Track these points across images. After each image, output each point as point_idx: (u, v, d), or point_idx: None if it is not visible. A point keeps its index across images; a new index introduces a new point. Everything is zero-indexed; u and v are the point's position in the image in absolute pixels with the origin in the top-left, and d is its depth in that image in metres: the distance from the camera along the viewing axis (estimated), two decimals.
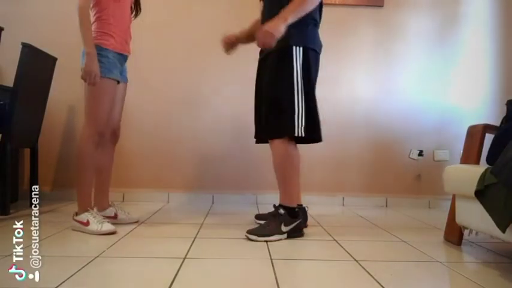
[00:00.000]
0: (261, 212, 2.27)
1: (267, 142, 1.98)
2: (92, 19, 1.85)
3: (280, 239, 1.77)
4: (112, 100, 1.92)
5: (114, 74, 1.87)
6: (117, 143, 2.08)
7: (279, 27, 1.68)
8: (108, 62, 1.84)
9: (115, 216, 2.01)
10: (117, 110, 2.03)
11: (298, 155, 1.86)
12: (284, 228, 1.79)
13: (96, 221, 1.80)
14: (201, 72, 2.89)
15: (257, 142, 2.09)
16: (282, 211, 1.81)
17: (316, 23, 1.89)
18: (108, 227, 1.80)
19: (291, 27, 1.75)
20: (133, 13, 2.06)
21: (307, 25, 1.83)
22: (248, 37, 2.07)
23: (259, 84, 1.99)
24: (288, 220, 1.80)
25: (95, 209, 1.95)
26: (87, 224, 1.80)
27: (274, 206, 1.97)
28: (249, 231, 1.78)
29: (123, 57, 1.96)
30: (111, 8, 1.86)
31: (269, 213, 2.11)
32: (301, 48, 1.79)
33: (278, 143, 1.82)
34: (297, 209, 1.85)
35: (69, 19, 2.88)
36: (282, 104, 1.79)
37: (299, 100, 1.78)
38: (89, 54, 1.75)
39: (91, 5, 1.86)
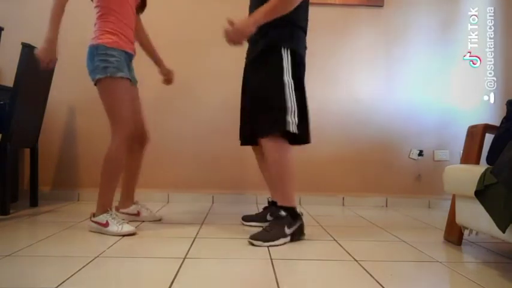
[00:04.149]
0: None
1: (253, 144, 1.99)
2: (94, 17, 1.85)
3: (285, 243, 1.72)
4: (130, 99, 1.89)
5: (124, 73, 1.84)
6: (146, 145, 2.07)
7: (248, 27, 1.69)
8: (116, 61, 1.81)
9: (138, 214, 2.05)
10: (138, 112, 2.01)
11: (292, 154, 1.81)
12: (288, 231, 1.73)
13: (115, 222, 1.79)
14: (201, 72, 2.89)
15: (242, 144, 2.07)
16: (283, 213, 1.75)
17: (304, 30, 1.90)
18: (128, 228, 1.79)
19: (280, 29, 1.79)
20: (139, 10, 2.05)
21: (295, 29, 1.84)
22: None
23: (246, 86, 2.00)
24: (290, 222, 1.74)
25: (114, 210, 1.94)
26: (106, 225, 1.78)
27: (268, 200, 1.97)
28: (253, 237, 1.70)
29: (128, 56, 1.92)
30: (115, 8, 1.84)
31: (256, 214, 2.11)
32: (288, 50, 1.80)
33: (271, 142, 1.78)
34: (296, 210, 1.79)
35: (69, 19, 2.88)
36: (274, 102, 1.77)
37: (291, 97, 1.77)
38: (48, 40, 1.74)
39: (94, 4, 1.85)
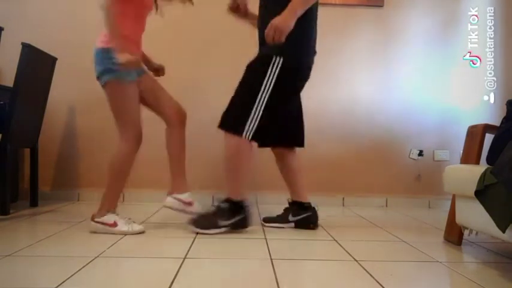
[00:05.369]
0: (260, 212, 2.27)
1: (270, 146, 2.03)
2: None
3: (219, 233, 1.82)
4: (138, 101, 1.88)
5: (132, 77, 1.83)
6: (185, 123, 2.06)
7: (288, 21, 1.67)
8: None
9: (190, 203, 2.02)
10: (164, 95, 1.99)
11: (250, 150, 1.86)
12: (222, 223, 1.82)
13: (124, 222, 1.81)
14: (201, 72, 2.89)
15: (260, 146, 2.05)
16: (223, 205, 1.85)
17: (308, 36, 1.86)
18: (138, 227, 1.83)
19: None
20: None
21: (297, 35, 1.76)
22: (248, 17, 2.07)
23: None
24: (228, 214, 1.83)
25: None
26: (114, 225, 1.79)
27: (288, 201, 1.98)
28: (190, 221, 1.85)
29: None
30: (127, 11, 1.80)
31: (277, 215, 2.09)
32: (281, 59, 1.77)
33: (229, 138, 1.85)
34: (242, 204, 1.85)
35: (69, 19, 2.90)
36: (242, 105, 1.82)
37: (257, 108, 1.79)
38: (122, 47, 1.71)
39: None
